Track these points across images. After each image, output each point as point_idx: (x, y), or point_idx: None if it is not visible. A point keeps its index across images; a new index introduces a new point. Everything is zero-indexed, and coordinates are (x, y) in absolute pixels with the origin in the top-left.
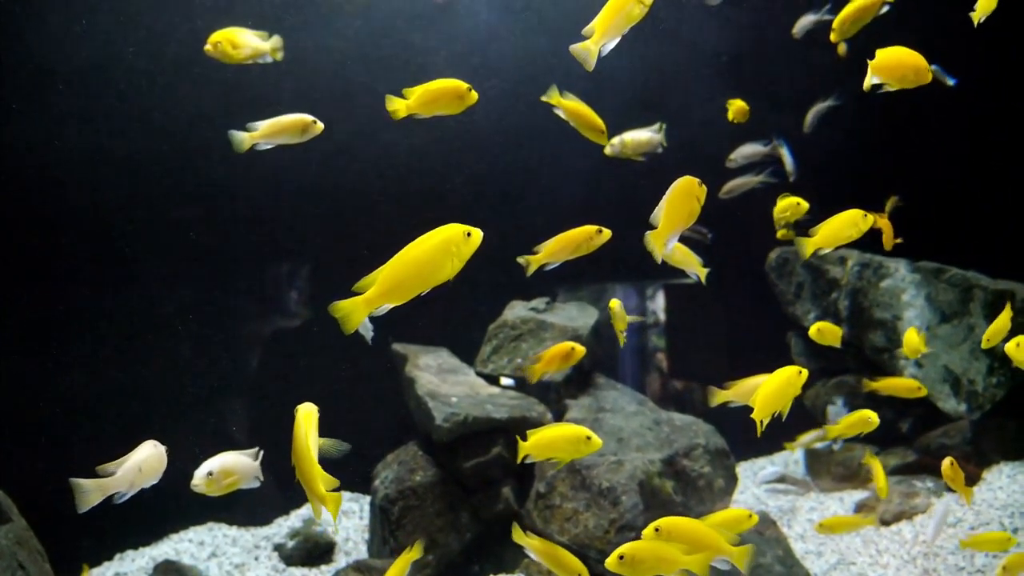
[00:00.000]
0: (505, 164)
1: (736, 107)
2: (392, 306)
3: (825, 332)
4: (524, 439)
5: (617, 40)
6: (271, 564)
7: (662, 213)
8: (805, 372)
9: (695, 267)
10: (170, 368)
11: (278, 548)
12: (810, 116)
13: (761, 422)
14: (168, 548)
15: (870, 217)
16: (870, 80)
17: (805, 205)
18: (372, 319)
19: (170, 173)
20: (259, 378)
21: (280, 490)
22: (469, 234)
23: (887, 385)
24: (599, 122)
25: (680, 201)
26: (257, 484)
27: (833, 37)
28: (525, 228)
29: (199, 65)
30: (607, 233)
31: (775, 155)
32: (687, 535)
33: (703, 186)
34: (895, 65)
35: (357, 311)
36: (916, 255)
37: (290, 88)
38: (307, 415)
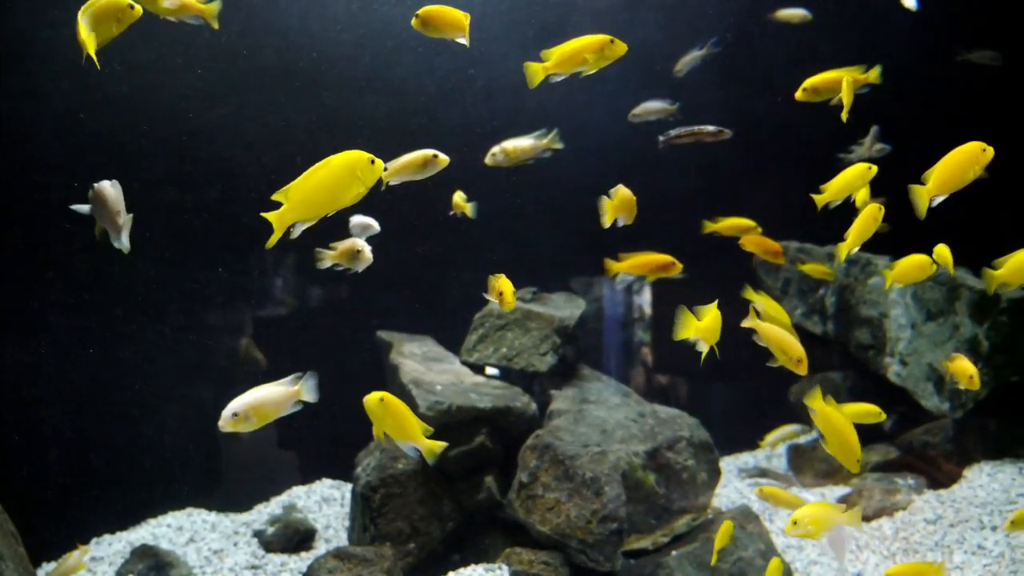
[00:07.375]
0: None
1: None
2: (307, 224)
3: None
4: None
5: None
6: (250, 550)
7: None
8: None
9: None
10: (150, 354)
11: (258, 534)
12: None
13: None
14: (146, 533)
15: (882, 209)
16: (930, 202)
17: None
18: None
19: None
20: (242, 365)
21: (260, 477)
22: (373, 161)
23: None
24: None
25: (620, 206)
26: (299, 408)
27: (798, 96)
28: (514, 217)
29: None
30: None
31: (675, 115)
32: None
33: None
34: (952, 175)
35: (273, 223)
36: (904, 253)
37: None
38: None
